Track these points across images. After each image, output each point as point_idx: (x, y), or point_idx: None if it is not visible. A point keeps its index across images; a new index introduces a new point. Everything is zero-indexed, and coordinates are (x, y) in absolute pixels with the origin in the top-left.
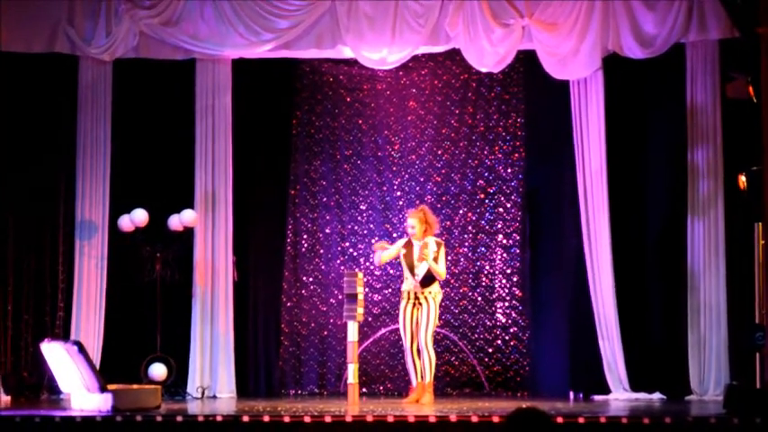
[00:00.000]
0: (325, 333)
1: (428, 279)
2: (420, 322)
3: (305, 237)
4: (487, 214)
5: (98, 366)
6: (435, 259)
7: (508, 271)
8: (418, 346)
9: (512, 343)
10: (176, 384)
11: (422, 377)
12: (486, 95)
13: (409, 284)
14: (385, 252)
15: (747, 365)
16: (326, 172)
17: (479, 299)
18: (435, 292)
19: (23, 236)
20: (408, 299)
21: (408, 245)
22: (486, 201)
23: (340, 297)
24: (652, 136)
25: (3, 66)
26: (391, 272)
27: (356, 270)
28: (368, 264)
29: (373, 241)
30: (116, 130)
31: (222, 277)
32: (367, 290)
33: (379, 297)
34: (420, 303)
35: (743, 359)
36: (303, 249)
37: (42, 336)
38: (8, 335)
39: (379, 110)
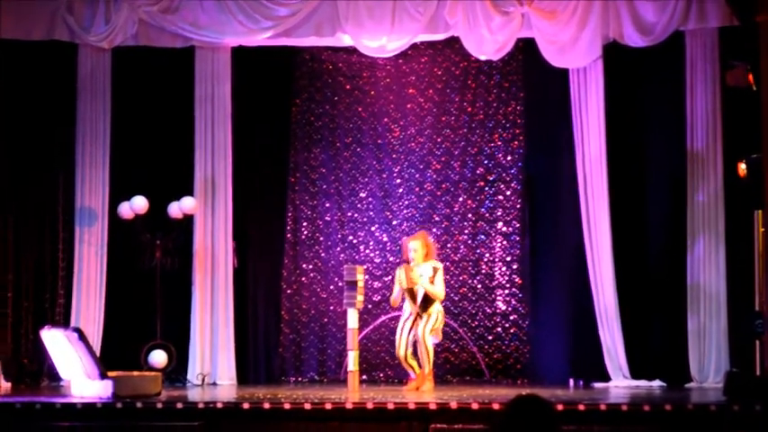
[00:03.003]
0: (326, 320)
1: (426, 302)
2: (419, 327)
3: (305, 224)
4: (487, 202)
5: (98, 353)
6: (432, 281)
7: (508, 258)
8: (415, 336)
9: (512, 330)
10: (176, 371)
11: (421, 367)
12: (486, 83)
13: (411, 307)
14: (394, 295)
15: (747, 352)
16: (326, 159)
17: (479, 286)
18: (437, 311)
19: (23, 223)
20: (410, 315)
21: (407, 272)
22: (486, 188)
23: (340, 284)
24: (652, 124)
25: (2, 53)
26: (391, 259)
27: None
28: (367, 251)
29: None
30: (115, 118)
31: (222, 264)
32: (367, 277)
33: (380, 284)
34: (421, 318)
35: (743, 346)
36: (303, 237)
37: (42, 323)
38: (8, 322)
39: (378, 97)
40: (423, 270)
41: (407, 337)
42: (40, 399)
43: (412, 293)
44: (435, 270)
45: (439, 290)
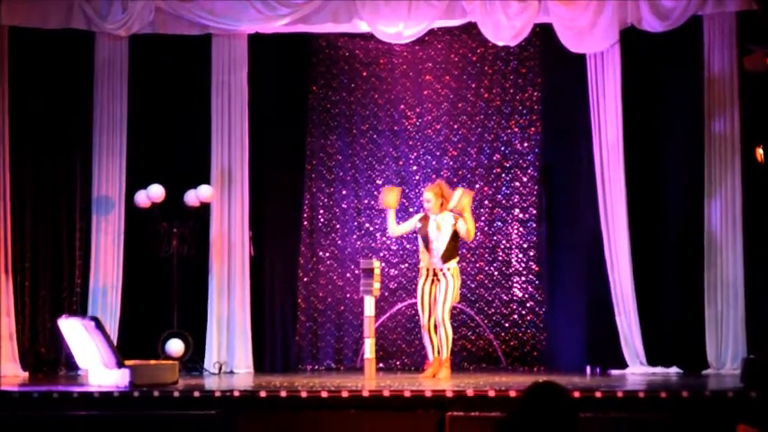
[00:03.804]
0: (342, 308)
1: (446, 255)
2: (438, 298)
3: (321, 212)
4: (504, 188)
5: (115, 342)
6: (456, 231)
7: (525, 245)
8: (435, 321)
9: (528, 318)
10: (193, 360)
11: (438, 352)
12: (503, 69)
13: (426, 261)
14: (401, 225)
15: (765, 339)
16: (342, 146)
17: (496, 273)
18: (454, 268)
19: (40, 212)
20: (427, 276)
21: (424, 219)
22: (503, 175)
23: (357, 272)
24: (669, 109)
25: (19, 42)
26: (408, 246)
27: (373, 258)
28: (384, 239)
29: (383, 190)
30: (132, 106)
31: (239, 253)
32: (383, 265)
33: (396, 272)
34: (438, 280)
35: (760, 333)
36: (319, 224)
37: (60, 312)
38: (26, 311)
39: (395, 84)
40: (443, 219)
41: (429, 304)
42: (57, 388)
43: (427, 241)
44: (456, 218)
45: (471, 224)
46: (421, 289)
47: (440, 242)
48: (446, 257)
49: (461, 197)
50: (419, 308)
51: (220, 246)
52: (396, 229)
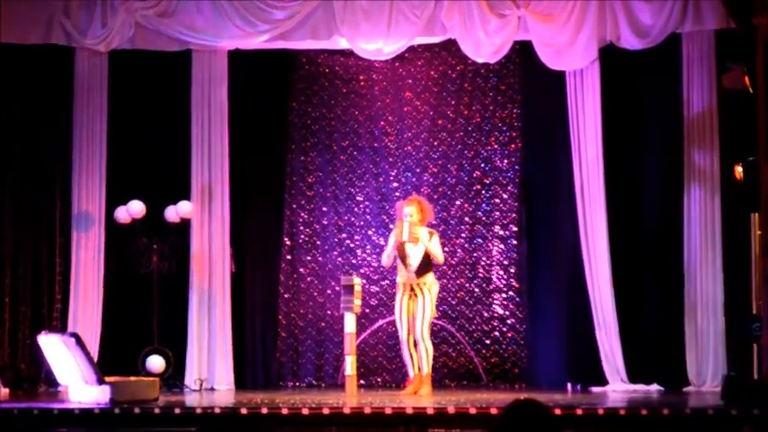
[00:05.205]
0: (323, 325)
1: (422, 269)
2: (416, 314)
3: (302, 228)
4: (484, 205)
5: (96, 358)
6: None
7: (505, 262)
8: (415, 337)
9: (509, 334)
10: (174, 376)
11: (419, 369)
12: (483, 86)
13: (403, 276)
14: (387, 250)
15: (745, 356)
16: (323, 163)
17: (476, 290)
18: (431, 282)
19: (20, 227)
20: (404, 290)
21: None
22: (483, 192)
23: (337, 288)
24: (648, 126)
25: None
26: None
27: (354, 275)
28: (365, 255)
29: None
30: (112, 122)
31: (219, 269)
32: (364, 281)
33: (377, 288)
34: (416, 295)
35: (740, 350)
36: (300, 241)
37: (40, 328)
38: (5, 327)
39: (375, 101)
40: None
41: (407, 319)
42: (37, 404)
43: (404, 255)
44: (431, 234)
45: (439, 253)
46: (399, 303)
47: (415, 257)
48: (421, 271)
49: (409, 230)
50: (398, 323)
51: (201, 262)
52: (386, 256)
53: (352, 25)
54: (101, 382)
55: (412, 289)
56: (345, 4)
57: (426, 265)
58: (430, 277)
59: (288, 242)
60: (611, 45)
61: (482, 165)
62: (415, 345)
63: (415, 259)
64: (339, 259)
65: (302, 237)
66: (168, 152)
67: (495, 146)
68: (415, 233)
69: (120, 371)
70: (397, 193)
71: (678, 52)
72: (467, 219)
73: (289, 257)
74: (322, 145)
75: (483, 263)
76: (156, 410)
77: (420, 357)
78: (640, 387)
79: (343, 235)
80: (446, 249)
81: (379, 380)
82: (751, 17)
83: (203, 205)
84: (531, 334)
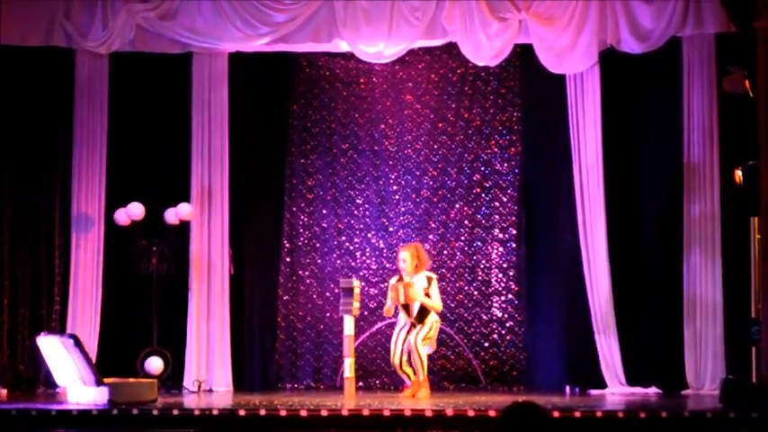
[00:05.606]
0: (322, 327)
1: (423, 314)
2: (412, 337)
3: (301, 230)
4: (483, 208)
5: (94, 360)
6: (427, 294)
7: (504, 265)
8: (408, 347)
9: (508, 337)
10: (172, 378)
11: (415, 374)
12: (483, 89)
13: (404, 317)
14: (387, 304)
15: (743, 360)
16: (323, 166)
17: (475, 293)
18: (433, 320)
19: (20, 229)
20: (404, 325)
21: (397, 284)
22: (483, 195)
23: (336, 291)
24: (648, 130)
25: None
26: (387, 266)
27: (353, 277)
28: (364, 258)
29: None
30: (112, 124)
31: (218, 271)
32: (363, 284)
33: (376, 291)
34: (415, 327)
35: (739, 353)
36: (300, 243)
37: (38, 329)
38: (4, 328)
39: (375, 104)
40: (416, 280)
41: (402, 346)
42: (36, 405)
43: (407, 307)
44: (429, 280)
45: (436, 302)
46: (396, 333)
47: (415, 305)
48: (422, 317)
49: (405, 293)
50: (392, 346)
51: (200, 264)
52: (387, 310)
53: (352, 28)
54: (99, 383)
55: (413, 324)
56: (346, 8)
57: (426, 310)
58: (432, 316)
59: (287, 245)
60: (611, 49)
61: (482, 168)
62: (408, 360)
63: (414, 309)
64: (338, 262)
65: (302, 239)
66: (168, 154)
67: (496, 149)
68: (411, 295)
69: (118, 372)
70: (397, 196)
71: (678, 56)
72: (466, 222)
73: (288, 260)
74: (322, 148)
75: (482, 266)
76: (155, 412)
77: (415, 366)
78: (639, 390)
79: (343, 238)
80: (445, 252)
81: (377, 382)
82: (751, 21)
83: (202, 207)
84: (529, 337)
